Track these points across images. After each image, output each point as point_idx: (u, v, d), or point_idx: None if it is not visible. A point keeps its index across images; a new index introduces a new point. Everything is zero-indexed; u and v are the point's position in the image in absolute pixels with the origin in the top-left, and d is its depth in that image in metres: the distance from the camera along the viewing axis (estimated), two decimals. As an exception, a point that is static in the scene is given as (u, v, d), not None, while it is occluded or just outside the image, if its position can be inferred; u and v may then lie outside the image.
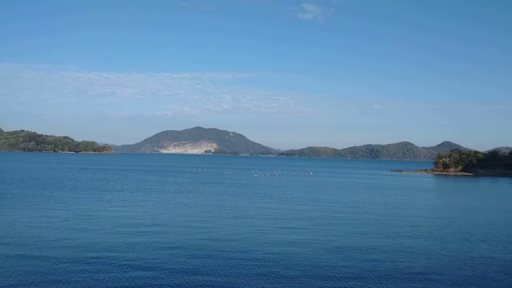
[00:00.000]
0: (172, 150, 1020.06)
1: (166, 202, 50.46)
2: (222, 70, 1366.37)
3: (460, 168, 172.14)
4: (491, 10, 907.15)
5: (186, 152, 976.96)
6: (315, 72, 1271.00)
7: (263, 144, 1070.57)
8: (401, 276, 22.20)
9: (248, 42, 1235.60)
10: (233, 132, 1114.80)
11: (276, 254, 26.01)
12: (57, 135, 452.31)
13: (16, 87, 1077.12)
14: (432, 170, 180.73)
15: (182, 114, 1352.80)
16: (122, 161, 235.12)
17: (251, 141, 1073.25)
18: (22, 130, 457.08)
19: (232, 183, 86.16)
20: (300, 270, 22.78)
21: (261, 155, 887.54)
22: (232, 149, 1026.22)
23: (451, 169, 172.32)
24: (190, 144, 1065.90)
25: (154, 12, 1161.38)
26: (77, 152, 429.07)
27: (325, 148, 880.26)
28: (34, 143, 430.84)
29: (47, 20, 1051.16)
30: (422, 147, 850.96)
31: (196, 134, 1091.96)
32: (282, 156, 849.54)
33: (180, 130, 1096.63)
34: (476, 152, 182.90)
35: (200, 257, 24.68)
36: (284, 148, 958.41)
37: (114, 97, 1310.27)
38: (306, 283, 20.67)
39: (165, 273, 21.53)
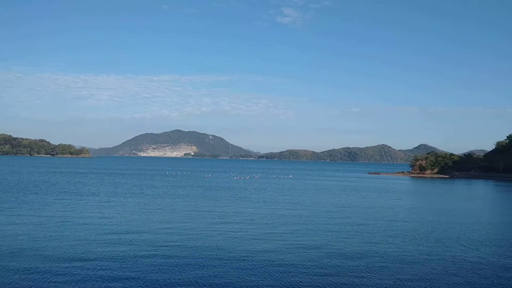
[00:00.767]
0: (151, 153, 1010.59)
1: (143, 206, 49.87)
2: (202, 73, 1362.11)
3: (436, 170, 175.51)
4: (470, 9, 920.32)
5: (166, 155, 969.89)
6: (294, 75, 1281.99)
7: (243, 147, 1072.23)
8: (372, 277, 22.45)
9: (228, 45, 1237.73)
10: (212, 135, 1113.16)
11: (251, 257, 25.98)
12: (33, 138, 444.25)
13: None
14: (409, 172, 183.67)
15: (161, 116, 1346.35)
16: (100, 164, 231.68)
17: (231, 144, 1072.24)
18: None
19: (211, 186, 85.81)
20: (274, 274, 22.84)
21: (240, 158, 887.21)
22: (212, 152, 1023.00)
23: (428, 172, 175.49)
24: (170, 147, 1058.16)
25: (135, 14, 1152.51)
26: (54, 155, 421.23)
27: (304, 151, 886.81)
28: (9, 146, 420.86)
29: (24, 24, 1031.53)
30: (399, 150, 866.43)
31: (175, 137, 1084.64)
32: (261, 159, 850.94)
33: (159, 133, 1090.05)
34: (451, 154, 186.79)
35: (175, 263, 24.48)
36: (263, 151, 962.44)
37: (92, 99, 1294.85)
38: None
39: (140, 281, 21.20)
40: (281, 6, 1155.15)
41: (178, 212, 45.38)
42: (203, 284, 20.66)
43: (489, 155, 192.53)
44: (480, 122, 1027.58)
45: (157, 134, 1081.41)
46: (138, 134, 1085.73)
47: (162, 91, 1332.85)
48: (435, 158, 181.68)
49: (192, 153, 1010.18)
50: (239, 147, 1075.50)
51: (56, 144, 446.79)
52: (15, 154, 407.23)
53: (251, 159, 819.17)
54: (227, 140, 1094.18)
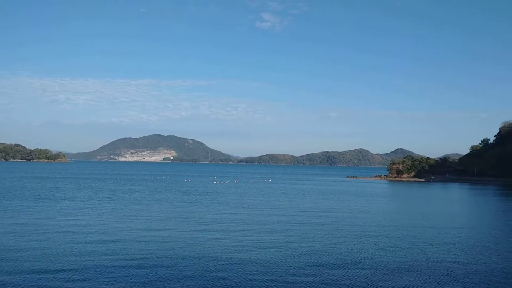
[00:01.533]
0: (129, 157, 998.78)
1: (120, 212, 49.21)
2: (181, 78, 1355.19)
3: (412, 174, 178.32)
4: (445, 11, 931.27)
5: (144, 160, 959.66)
6: (273, 80, 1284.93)
7: (223, 152, 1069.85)
8: (347, 279, 22.66)
9: (207, 50, 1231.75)
10: (192, 140, 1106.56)
11: (227, 262, 25.94)
12: (8, 143, 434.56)
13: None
14: (386, 176, 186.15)
15: (140, 121, 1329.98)
16: (76, 169, 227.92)
17: (210, 149, 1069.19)
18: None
19: (190, 191, 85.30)
20: (252, 277, 22.85)
21: (220, 162, 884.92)
22: (191, 156, 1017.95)
23: (404, 175, 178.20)
24: (148, 151, 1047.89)
25: (113, 19, 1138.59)
26: (30, 160, 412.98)
27: (283, 155, 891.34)
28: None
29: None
30: (376, 154, 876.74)
31: (154, 142, 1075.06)
32: (241, 163, 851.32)
33: (138, 137, 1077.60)
34: (427, 158, 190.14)
35: (152, 273, 24.24)
36: (243, 155, 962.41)
37: (68, 103, 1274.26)
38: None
39: None
40: (260, 12, 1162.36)
41: (156, 218, 44.85)
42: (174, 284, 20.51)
43: (464, 159, 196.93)
44: (456, 127, 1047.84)
45: (135, 139, 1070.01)
46: (116, 139, 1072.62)
47: (141, 95, 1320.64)
48: (411, 162, 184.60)
49: (171, 158, 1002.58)
50: (219, 151, 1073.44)
51: (32, 148, 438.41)
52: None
53: (231, 163, 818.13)
54: (206, 145, 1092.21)
